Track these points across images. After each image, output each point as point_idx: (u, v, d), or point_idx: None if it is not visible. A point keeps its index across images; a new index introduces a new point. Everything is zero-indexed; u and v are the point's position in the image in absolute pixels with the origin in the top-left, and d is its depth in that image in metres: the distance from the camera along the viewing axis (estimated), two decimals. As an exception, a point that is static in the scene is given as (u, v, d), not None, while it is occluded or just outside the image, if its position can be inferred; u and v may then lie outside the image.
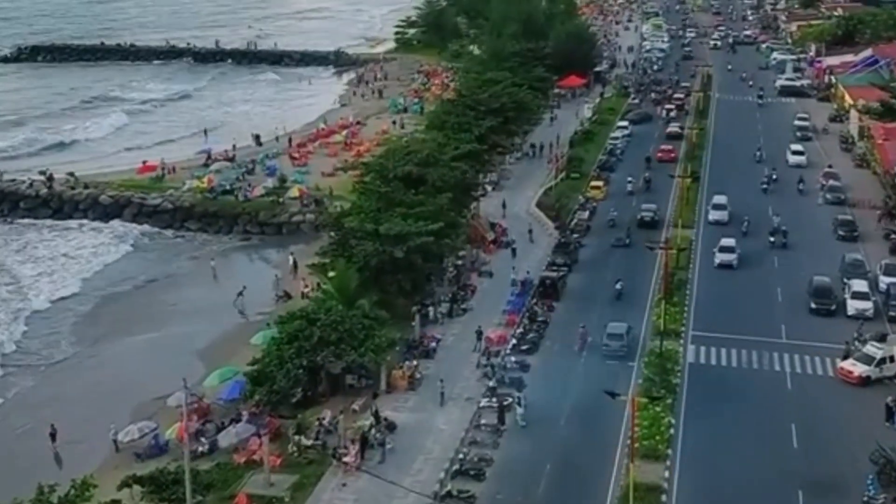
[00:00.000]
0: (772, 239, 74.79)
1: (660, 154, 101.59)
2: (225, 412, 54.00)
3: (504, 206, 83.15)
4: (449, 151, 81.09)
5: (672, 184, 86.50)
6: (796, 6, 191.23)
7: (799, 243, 75.42)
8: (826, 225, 79.45)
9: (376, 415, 49.70)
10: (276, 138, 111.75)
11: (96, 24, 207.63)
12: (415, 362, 56.11)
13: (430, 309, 63.61)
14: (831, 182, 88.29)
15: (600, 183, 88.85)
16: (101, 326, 68.83)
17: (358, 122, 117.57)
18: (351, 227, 62.93)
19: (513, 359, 56.46)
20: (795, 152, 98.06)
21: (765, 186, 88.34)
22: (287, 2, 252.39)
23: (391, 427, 49.28)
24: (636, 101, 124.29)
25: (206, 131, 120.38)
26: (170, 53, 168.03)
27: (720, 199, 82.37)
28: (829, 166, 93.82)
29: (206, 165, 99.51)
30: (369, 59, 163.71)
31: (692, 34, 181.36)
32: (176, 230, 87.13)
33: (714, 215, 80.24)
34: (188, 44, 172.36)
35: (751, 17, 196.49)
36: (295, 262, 73.77)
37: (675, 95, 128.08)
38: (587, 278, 70.25)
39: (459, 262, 71.52)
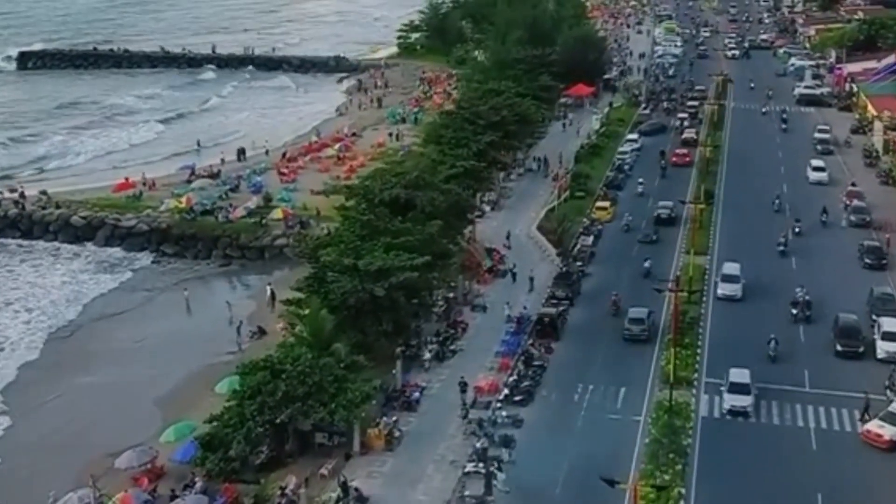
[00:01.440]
0: (794, 311, 61.92)
1: (675, 158, 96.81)
2: (181, 474, 48.08)
3: (508, 236, 76.88)
4: (443, 171, 75.54)
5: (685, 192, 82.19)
6: (814, 9, 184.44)
7: (821, 273, 69.09)
8: (851, 251, 73.05)
9: (344, 486, 43.71)
10: (267, 152, 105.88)
11: (90, 29, 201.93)
12: (394, 417, 50.18)
13: (417, 350, 57.70)
14: (855, 202, 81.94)
15: (606, 203, 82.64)
16: (53, 367, 62.86)
17: (353, 134, 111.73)
18: (328, 261, 56.90)
19: (504, 413, 50.41)
20: (816, 168, 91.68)
21: (782, 248, 73.09)
22: (304, 7, 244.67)
23: (361, 501, 43.30)
24: (646, 110, 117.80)
25: (198, 143, 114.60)
26: (163, 60, 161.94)
27: (731, 267, 67.01)
28: (853, 184, 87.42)
29: (188, 182, 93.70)
30: (370, 64, 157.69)
31: (707, 33, 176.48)
32: (151, 254, 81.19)
33: (724, 289, 65.01)
34: (183, 49, 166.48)
35: (767, 21, 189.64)
36: (273, 294, 67.78)
37: (689, 103, 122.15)
38: (591, 312, 64.20)
39: (451, 295, 65.50)
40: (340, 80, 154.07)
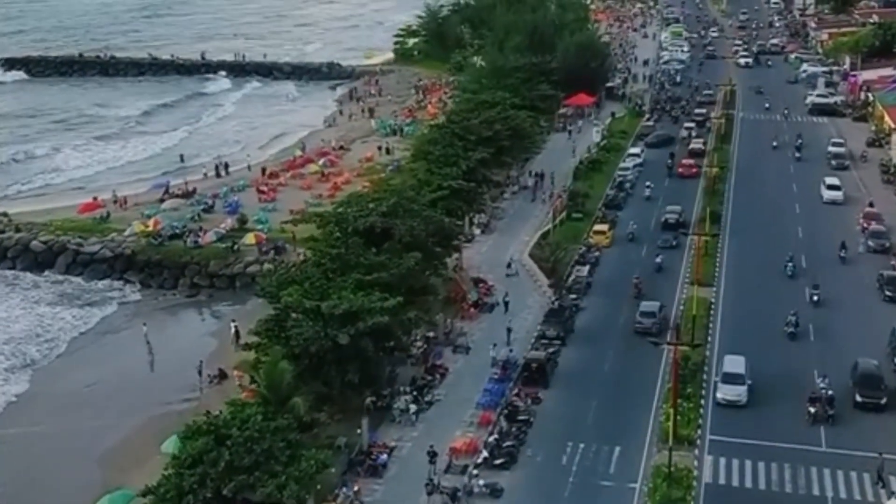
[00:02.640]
0: (812, 409, 50.75)
1: (681, 170, 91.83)
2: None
3: (510, 264, 70.93)
4: (426, 194, 69.77)
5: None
6: (826, 11, 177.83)
7: (837, 310, 63.12)
8: (869, 281, 67.13)
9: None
10: (248, 167, 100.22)
11: (84, 35, 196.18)
12: (356, 487, 44.45)
13: (389, 401, 51.98)
14: (874, 226, 75.95)
15: (605, 227, 76.64)
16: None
17: (341, 147, 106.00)
18: (289, 302, 51.11)
19: (481, 482, 44.60)
20: (830, 187, 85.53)
21: (791, 331, 59.50)
22: (310, 12, 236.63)
23: None
24: (650, 121, 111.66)
25: (182, 157, 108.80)
26: (151, 67, 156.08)
27: (734, 364, 53.86)
28: (871, 204, 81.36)
29: (161, 202, 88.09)
30: (365, 71, 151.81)
31: (715, 33, 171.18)
32: (115, 282, 75.52)
33: (726, 393, 52.16)
34: (172, 56, 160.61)
35: (777, 24, 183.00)
36: (237, 332, 61.98)
37: (697, 110, 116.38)
38: (585, 353, 58.44)
39: (430, 335, 59.71)
40: (334, 88, 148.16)
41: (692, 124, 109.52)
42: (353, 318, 49.79)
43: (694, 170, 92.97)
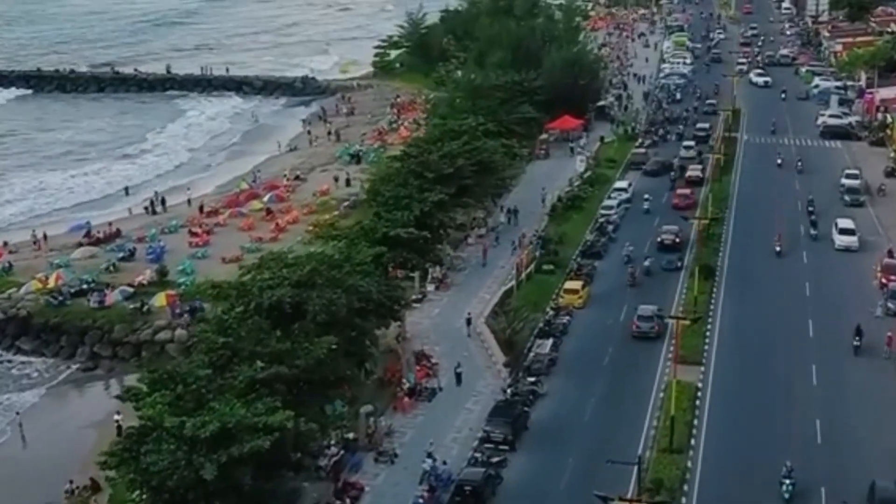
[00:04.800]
0: None
1: (676, 200, 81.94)
2: None
3: (469, 321, 60.46)
4: (363, 249, 58.88)
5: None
6: (841, 18, 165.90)
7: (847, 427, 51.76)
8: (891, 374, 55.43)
9: None
10: (188, 202, 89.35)
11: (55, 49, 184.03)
12: None
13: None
14: (894, 283, 64.43)
15: (578, 284, 65.25)
16: None
17: (297, 178, 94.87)
18: (147, 421, 40.09)
19: None
20: (843, 231, 74.08)
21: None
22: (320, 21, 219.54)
23: None
24: (641, 147, 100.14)
25: (126, 189, 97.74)
26: (114, 82, 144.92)
27: None
28: (890, 253, 69.87)
29: (80, 246, 77.36)
30: (341, 86, 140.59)
31: (721, 34, 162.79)
32: (4, 351, 64.63)
33: None
34: (135, 70, 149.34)
35: (789, 32, 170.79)
36: (120, 428, 50.81)
37: (699, 125, 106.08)
38: (539, 460, 47.21)
39: (350, 436, 48.64)
40: (308, 104, 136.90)
41: (692, 143, 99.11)
42: (227, 441, 38.81)
43: (689, 201, 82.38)
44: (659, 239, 73.49)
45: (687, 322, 51.44)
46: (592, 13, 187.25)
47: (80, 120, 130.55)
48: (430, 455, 45.99)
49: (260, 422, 39.51)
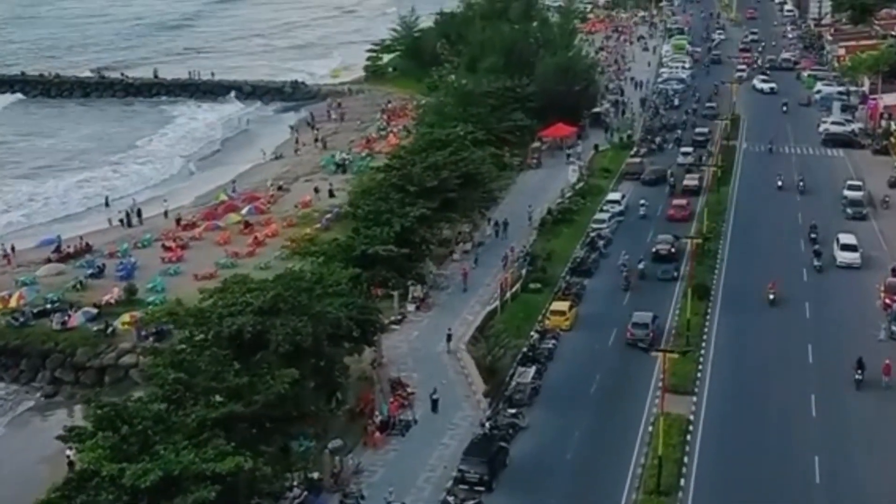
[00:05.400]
0: None
1: (671, 212, 78.99)
2: None
3: (449, 337, 57.41)
4: (336, 271, 55.74)
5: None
6: (844, 21, 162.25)
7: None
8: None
9: None
10: (165, 213, 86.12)
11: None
12: None
13: None
14: (899, 303, 61.22)
15: (565, 305, 61.91)
16: None
17: (279, 188, 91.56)
18: (83, 469, 36.92)
19: None
20: (845, 247, 70.69)
21: None
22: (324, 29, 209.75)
23: None
24: (636, 156, 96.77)
25: (107, 200, 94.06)
26: (99, 87, 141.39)
27: None
28: (894, 271, 66.49)
29: (48, 262, 74.14)
30: (332, 91, 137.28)
31: (722, 35, 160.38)
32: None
33: None
34: (122, 74, 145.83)
35: (791, 35, 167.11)
36: (71, 464, 47.51)
37: (698, 129, 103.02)
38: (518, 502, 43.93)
39: (315, 476, 45.34)
40: (298, 110, 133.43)
41: (690, 149, 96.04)
42: (170, 491, 35.61)
43: (685, 212, 79.36)
44: (654, 249, 71.14)
45: (675, 356, 47.81)
46: (591, 15, 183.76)
47: (64, 127, 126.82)
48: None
49: (208, 469, 36.34)
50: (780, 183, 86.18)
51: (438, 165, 72.17)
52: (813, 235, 73.03)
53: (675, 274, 67.30)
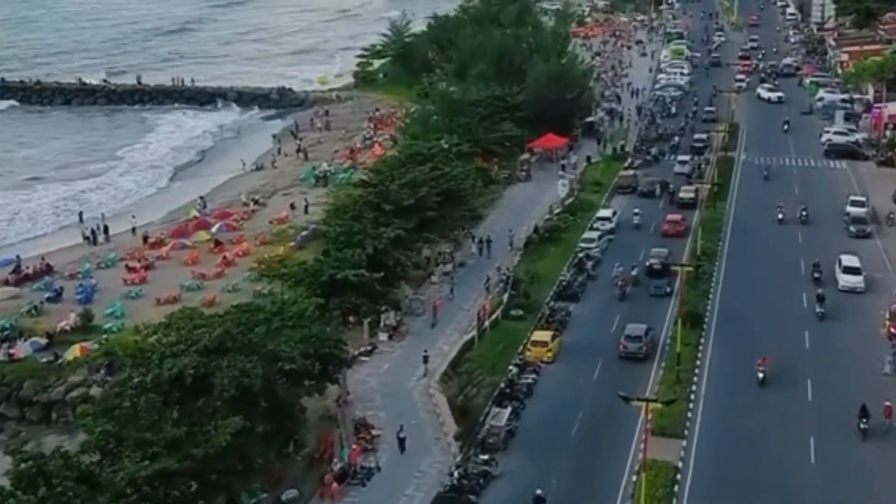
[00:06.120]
0: None
1: (665, 227, 75.06)
2: None
3: (426, 359, 54.12)
4: (297, 302, 51.76)
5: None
6: (847, 25, 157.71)
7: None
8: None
9: None
10: (133, 230, 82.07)
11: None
12: None
13: None
14: (908, 332, 56.93)
15: (547, 335, 57.69)
16: None
17: (255, 202, 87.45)
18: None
19: None
20: (848, 269, 66.36)
21: None
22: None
23: None
24: (630, 168, 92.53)
25: (81, 215, 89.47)
26: (80, 93, 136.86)
27: None
28: (902, 295, 62.41)
29: (7, 284, 70.14)
30: (320, 98, 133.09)
31: (722, 37, 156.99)
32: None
33: None
34: (104, 81, 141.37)
35: (793, 39, 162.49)
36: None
37: (696, 136, 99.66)
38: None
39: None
40: (284, 118, 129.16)
41: (687, 157, 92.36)
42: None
43: (680, 227, 75.43)
44: (647, 263, 67.76)
45: (659, 405, 43.52)
46: (588, 19, 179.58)
47: (42, 136, 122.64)
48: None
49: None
50: (780, 216, 77.72)
51: (417, 182, 68.41)
52: (816, 275, 65.48)
53: (668, 290, 63.76)
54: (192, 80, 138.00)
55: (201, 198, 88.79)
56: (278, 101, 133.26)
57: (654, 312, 61.39)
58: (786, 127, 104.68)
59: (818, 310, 61.04)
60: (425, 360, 55.05)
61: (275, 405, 44.27)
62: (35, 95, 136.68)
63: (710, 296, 63.88)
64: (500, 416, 48.67)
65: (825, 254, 68.83)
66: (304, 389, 47.75)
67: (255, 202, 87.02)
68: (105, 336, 59.66)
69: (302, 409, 46.91)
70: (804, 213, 77.63)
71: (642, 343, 55.61)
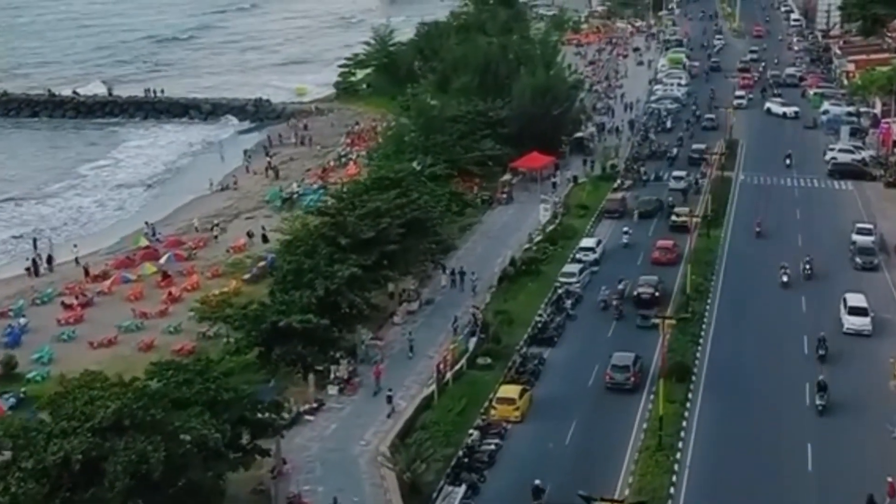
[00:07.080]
0: None
1: (656, 254, 68.97)
2: None
3: (390, 398, 47.52)
4: (230, 359, 45.47)
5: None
6: (854, 32, 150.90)
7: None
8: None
9: None
10: (76, 260, 75.66)
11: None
12: None
13: None
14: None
15: (515, 391, 51.18)
16: None
17: (214, 227, 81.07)
18: None
19: None
20: (854, 310, 59.65)
21: None
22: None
23: None
24: (619, 190, 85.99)
25: (35, 241, 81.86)
26: (48, 105, 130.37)
27: None
28: (912, 343, 55.79)
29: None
30: (298, 110, 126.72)
31: (721, 41, 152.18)
32: None
33: None
34: (74, 93, 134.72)
35: (797, 47, 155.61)
36: None
37: (694, 146, 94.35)
38: None
39: None
40: (261, 131, 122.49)
41: (682, 173, 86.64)
42: None
43: (671, 255, 69.32)
44: (636, 292, 62.13)
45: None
46: (584, 26, 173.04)
47: (3, 150, 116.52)
48: None
49: None
50: (784, 279, 65.90)
51: (380, 212, 62.05)
52: (821, 352, 55.43)
53: (651, 324, 56.93)
54: (163, 91, 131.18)
55: (149, 224, 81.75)
56: (254, 113, 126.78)
57: (641, 341, 55.05)
58: (788, 161, 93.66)
59: (818, 403, 50.26)
60: (389, 399, 50.72)
61: (186, 489, 37.87)
62: (1, 108, 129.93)
63: (700, 342, 57.21)
64: (454, 497, 42.10)
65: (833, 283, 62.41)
66: (228, 465, 41.24)
67: (213, 227, 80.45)
68: (24, 389, 53.45)
69: (221, 492, 40.36)
70: (808, 267, 67.54)
71: (630, 373, 51.67)
